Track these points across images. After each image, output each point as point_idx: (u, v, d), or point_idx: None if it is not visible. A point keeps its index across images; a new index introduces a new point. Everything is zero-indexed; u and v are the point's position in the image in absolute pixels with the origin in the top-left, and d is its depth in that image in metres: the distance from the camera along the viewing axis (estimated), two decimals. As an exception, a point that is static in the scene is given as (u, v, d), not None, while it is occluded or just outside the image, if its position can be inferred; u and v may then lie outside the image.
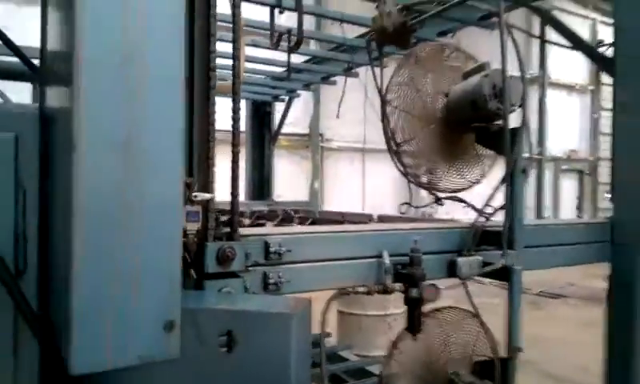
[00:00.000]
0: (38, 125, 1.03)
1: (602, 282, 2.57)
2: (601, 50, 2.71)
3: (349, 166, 14.86)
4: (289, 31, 3.33)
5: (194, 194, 1.32)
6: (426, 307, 2.01)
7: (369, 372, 4.03)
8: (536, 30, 13.18)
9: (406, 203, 2.40)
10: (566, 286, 11.81)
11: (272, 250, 1.53)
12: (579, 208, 19.23)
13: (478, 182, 2.25)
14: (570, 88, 18.45)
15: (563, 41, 2.93)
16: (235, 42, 1.53)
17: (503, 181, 1.93)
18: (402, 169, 2.18)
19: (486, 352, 2.13)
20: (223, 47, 1.81)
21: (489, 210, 1.99)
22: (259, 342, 1.00)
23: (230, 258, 1.40)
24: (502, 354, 2.04)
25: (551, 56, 17.14)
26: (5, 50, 1.50)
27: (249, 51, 3.97)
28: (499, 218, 1.99)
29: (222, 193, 1.48)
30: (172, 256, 0.86)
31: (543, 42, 14.82)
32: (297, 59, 4.44)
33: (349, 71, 4.71)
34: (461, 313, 2.25)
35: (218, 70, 1.46)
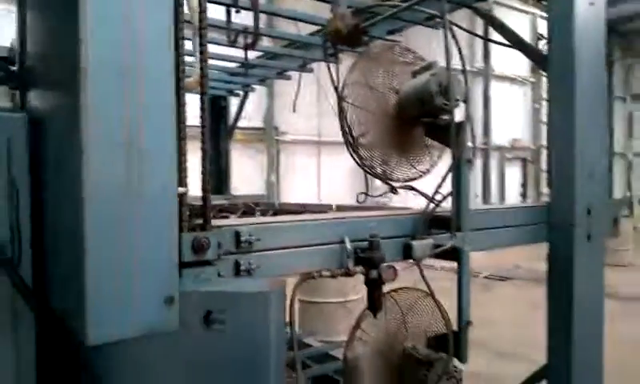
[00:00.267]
0: (27, 128, 1.11)
1: (545, 264, 2.81)
2: (540, 43, 2.95)
3: (304, 158, 15.00)
4: (245, 29, 3.41)
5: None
6: (385, 288, 2.18)
7: (332, 356, 4.21)
8: (480, 28, 13.69)
9: (363, 193, 2.55)
10: (512, 269, 12.44)
11: (243, 238, 1.64)
12: (523, 194, 20.19)
13: (428, 171, 2.43)
14: (512, 80, 19.29)
15: (505, 39, 3.18)
16: (202, 45, 1.62)
17: (450, 170, 2.11)
18: (358, 161, 2.34)
19: (439, 327, 2.33)
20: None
21: (438, 197, 2.17)
22: (242, 319, 1.13)
23: (204, 248, 1.50)
24: (454, 327, 2.24)
25: (495, 50, 17.85)
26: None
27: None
28: (448, 204, 2.19)
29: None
30: (170, 240, 0.97)
31: (486, 40, 15.45)
32: (252, 55, 4.52)
33: (303, 67, 4.83)
34: (416, 293, 2.44)
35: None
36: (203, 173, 1.63)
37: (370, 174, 2.43)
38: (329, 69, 2.28)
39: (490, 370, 5.77)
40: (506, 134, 19.34)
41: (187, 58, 2.10)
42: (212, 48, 4.34)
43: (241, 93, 6.36)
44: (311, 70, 4.82)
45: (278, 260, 1.76)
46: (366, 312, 2.26)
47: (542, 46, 2.78)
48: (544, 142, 18.54)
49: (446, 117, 2.09)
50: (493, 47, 17.80)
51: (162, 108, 0.97)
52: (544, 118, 18.71)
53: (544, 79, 19.58)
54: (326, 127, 13.94)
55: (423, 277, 2.14)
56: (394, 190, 2.51)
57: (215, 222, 1.65)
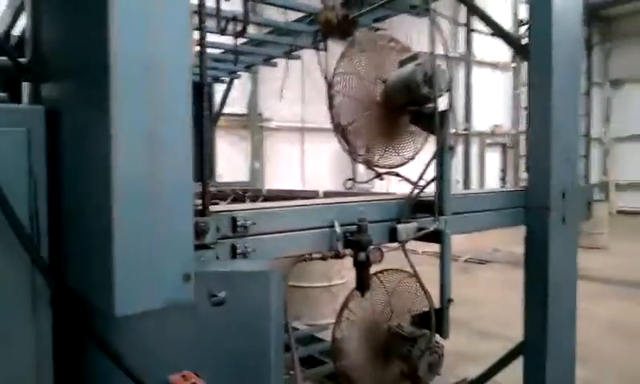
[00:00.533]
0: (44, 120, 1.18)
1: (523, 247, 2.94)
2: (521, 29, 3.06)
3: (288, 145, 15.00)
4: (235, 17, 3.47)
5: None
6: (373, 269, 2.29)
7: (317, 338, 4.34)
8: (463, 16, 13.85)
9: (351, 179, 2.66)
10: (492, 252, 12.72)
11: (239, 223, 1.73)
12: (503, 179, 20.54)
13: (412, 158, 2.54)
14: (493, 66, 19.48)
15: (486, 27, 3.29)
16: (202, 38, 1.68)
17: (433, 157, 2.22)
18: (347, 148, 2.43)
19: (423, 305, 2.45)
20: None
21: (422, 182, 2.28)
22: (246, 296, 1.23)
23: (204, 232, 1.59)
24: (437, 305, 2.36)
25: (476, 36, 17.97)
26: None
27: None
28: (431, 189, 2.30)
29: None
30: (187, 222, 1.07)
31: (469, 30, 15.64)
32: (237, 41, 4.55)
33: (290, 54, 4.89)
34: (401, 274, 2.56)
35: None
36: (201, 161, 1.71)
37: (357, 161, 2.53)
38: (318, 58, 2.36)
39: (471, 347, 5.97)
40: (486, 120, 19.58)
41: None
42: (194, 34, 4.39)
43: (226, 79, 6.39)
44: (298, 57, 4.88)
45: (272, 243, 1.85)
46: (354, 292, 2.37)
47: (523, 31, 2.88)
48: (524, 127, 18.87)
49: (430, 105, 2.19)
50: (475, 33, 17.95)
51: (179, 102, 1.05)
52: (524, 104, 18.99)
53: (524, 65, 19.80)
54: (310, 113, 13.96)
55: (407, 258, 2.25)
56: (380, 176, 2.62)
57: (213, 208, 1.74)
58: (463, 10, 14.24)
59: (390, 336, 2.48)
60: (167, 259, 1.04)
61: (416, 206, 2.31)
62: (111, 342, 1.09)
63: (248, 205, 2.97)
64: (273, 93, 12.43)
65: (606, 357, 5.84)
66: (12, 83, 3.35)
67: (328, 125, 2.42)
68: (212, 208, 1.77)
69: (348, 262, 2.15)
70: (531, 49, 2.77)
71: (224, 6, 3.56)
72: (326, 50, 2.34)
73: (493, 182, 20.08)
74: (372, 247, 2.05)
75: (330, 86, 2.31)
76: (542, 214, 2.77)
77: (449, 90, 2.16)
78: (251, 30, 5.60)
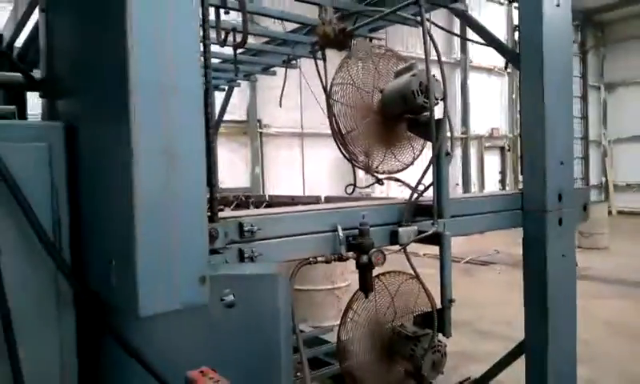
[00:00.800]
0: (63, 135, 1.26)
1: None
2: (516, 34, 3.12)
3: (288, 150, 15.09)
4: (234, 29, 3.55)
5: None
6: (375, 272, 2.37)
7: (322, 340, 4.41)
8: (458, 23, 13.97)
9: (352, 185, 2.74)
10: (493, 254, 12.78)
11: (246, 229, 1.80)
12: (502, 181, 20.62)
13: (411, 164, 2.63)
14: (489, 71, 19.62)
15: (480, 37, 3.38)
16: (206, 46, 1.75)
17: (431, 163, 2.30)
18: (347, 155, 2.51)
19: (425, 306, 2.52)
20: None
21: (421, 187, 2.36)
22: (256, 297, 1.30)
23: (214, 237, 1.66)
24: (438, 306, 2.43)
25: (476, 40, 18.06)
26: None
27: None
28: (431, 193, 2.37)
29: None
30: (202, 229, 1.15)
31: (463, 39, 15.78)
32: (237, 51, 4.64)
33: (288, 63, 4.98)
34: (404, 275, 2.63)
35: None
36: (209, 169, 1.79)
37: (357, 167, 2.61)
38: (318, 71, 2.45)
39: (474, 347, 6.03)
40: (484, 124, 19.69)
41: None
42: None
43: (225, 87, 6.47)
44: (296, 66, 4.97)
45: (278, 247, 1.93)
46: (358, 294, 2.44)
47: (518, 37, 2.97)
48: (521, 130, 18.96)
49: (426, 114, 2.27)
50: (473, 37, 18.06)
51: (193, 120, 1.13)
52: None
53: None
54: (309, 119, 14.06)
55: (409, 260, 2.32)
56: (380, 182, 2.70)
57: (222, 214, 1.81)
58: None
59: (394, 336, 2.55)
60: (184, 263, 1.13)
61: (416, 210, 2.39)
62: (130, 340, 1.17)
63: (253, 211, 3.06)
64: (272, 100, 12.54)
65: (605, 356, 5.90)
66: (18, 96, 3.44)
67: (327, 130, 2.50)
68: (219, 214, 1.85)
69: (351, 264, 2.22)
70: (522, 56, 2.85)
71: (223, 17, 3.65)
72: (324, 61, 2.42)
73: (492, 184, 20.17)
74: (374, 250, 2.12)
75: (328, 95, 2.40)
76: (538, 216, 2.83)
77: (443, 98, 2.24)
78: (250, 39, 5.70)
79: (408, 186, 2.47)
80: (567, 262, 2.94)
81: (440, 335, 2.39)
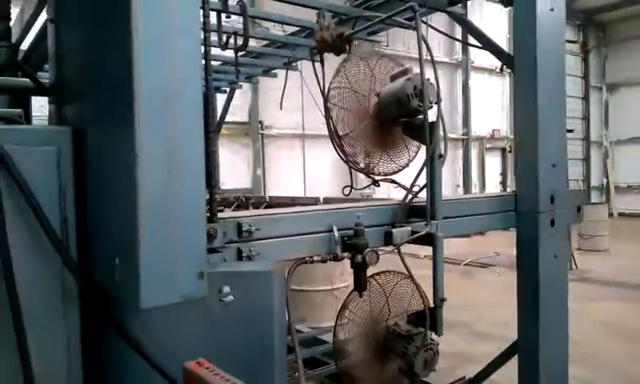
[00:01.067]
0: (71, 139, 1.33)
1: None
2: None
3: (289, 152, 15.16)
4: (235, 32, 3.62)
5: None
6: (371, 272, 2.44)
7: (320, 340, 4.47)
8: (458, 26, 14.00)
9: (348, 186, 2.80)
10: (493, 256, 12.83)
11: (244, 229, 1.87)
12: (503, 183, 20.66)
13: (406, 165, 2.69)
14: (491, 71, 19.65)
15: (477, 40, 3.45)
16: (207, 53, 1.82)
17: (424, 165, 2.37)
18: (344, 157, 2.58)
19: (418, 305, 2.59)
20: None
21: (415, 189, 2.43)
22: (252, 293, 1.37)
23: (212, 237, 1.73)
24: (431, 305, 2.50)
25: (473, 42, 18.11)
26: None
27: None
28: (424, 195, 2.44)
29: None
30: (200, 228, 1.22)
31: (460, 42, 15.85)
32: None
33: (289, 65, 5.05)
34: (398, 275, 2.69)
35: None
36: (208, 170, 1.86)
37: (354, 168, 2.68)
38: (316, 75, 2.52)
39: (471, 348, 6.09)
40: (485, 125, 19.74)
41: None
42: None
43: (227, 89, 6.55)
44: (296, 69, 5.04)
45: (275, 247, 2.00)
46: (354, 293, 2.51)
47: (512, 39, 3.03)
48: (523, 131, 18.97)
49: (420, 117, 2.34)
50: (472, 39, 18.13)
51: (193, 125, 1.21)
52: (522, 109, 19.08)
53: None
54: (310, 121, 14.12)
55: (403, 260, 2.39)
56: (376, 183, 2.77)
57: (220, 215, 1.88)
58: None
59: (388, 334, 2.62)
60: (184, 260, 1.20)
61: (410, 211, 2.46)
62: (132, 332, 1.24)
63: (252, 211, 3.13)
64: (273, 101, 12.62)
65: (603, 358, 5.95)
66: (23, 99, 3.52)
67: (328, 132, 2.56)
68: (219, 215, 1.92)
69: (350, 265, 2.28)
70: (516, 59, 2.91)
71: (224, 20, 3.72)
72: (322, 65, 2.49)
73: (493, 185, 20.20)
74: (368, 250, 2.19)
75: (326, 98, 2.47)
76: (531, 217, 2.89)
77: (437, 102, 2.31)
78: (251, 42, 5.78)
79: (404, 187, 2.53)
80: (559, 262, 3.00)
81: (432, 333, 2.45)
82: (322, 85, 2.48)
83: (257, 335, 1.39)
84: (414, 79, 2.29)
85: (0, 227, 1.21)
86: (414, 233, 2.38)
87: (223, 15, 3.59)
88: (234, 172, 13.26)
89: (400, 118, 2.48)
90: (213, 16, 3.62)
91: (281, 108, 5.06)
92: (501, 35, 17.13)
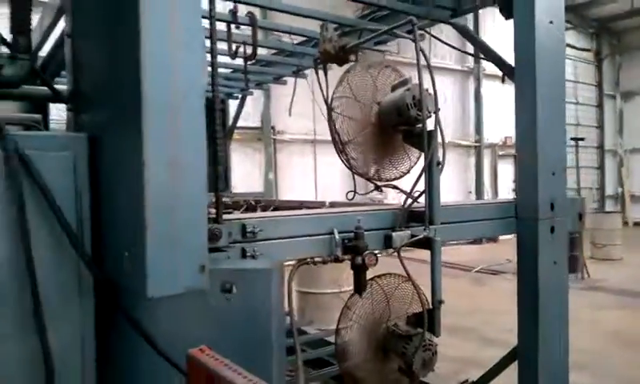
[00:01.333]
0: (86, 145, 1.46)
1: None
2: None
3: (301, 157, 15.28)
4: (244, 42, 3.76)
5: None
6: (372, 274, 2.53)
7: (327, 341, 4.57)
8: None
9: (352, 191, 2.90)
10: (504, 263, 12.79)
11: (248, 230, 1.98)
12: (515, 189, 20.52)
13: (407, 172, 2.78)
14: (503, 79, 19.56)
15: (479, 51, 3.53)
16: (213, 59, 1.93)
17: (422, 172, 2.46)
18: (347, 163, 2.69)
19: (418, 307, 2.67)
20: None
21: (415, 194, 2.52)
22: (252, 288, 1.48)
23: (217, 237, 1.84)
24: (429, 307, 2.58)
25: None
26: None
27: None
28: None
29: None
30: (202, 227, 1.35)
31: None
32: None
33: (297, 73, 5.19)
34: (399, 278, 2.78)
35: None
36: (214, 175, 1.97)
37: (357, 174, 2.78)
38: (319, 84, 2.63)
39: (477, 353, 6.12)
40: (498, 132, 19.69)
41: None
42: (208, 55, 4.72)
43: (239, 95, 6.71)
44: (305, 76, 5.17)
45: (278, 248, 2.10)
46: (355, 295, 2.60)
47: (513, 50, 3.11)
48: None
49: (419, 125, 2.43)
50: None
51: (195, 133, 1.33)
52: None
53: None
54: (321, 126, 14.22)
55: (402, 263, 2.48)
56: (379, 189, 2.86)
57: (225, 216, 1.99)
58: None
59: (388, 335, 2.70)
60: (186, 254, 1.33)
61: (409, 216, 2.54)
62: (139, 321, 1.36)
63: (257, 213, 3.23)
64: (285, 107, 12.74)
65: (611, 365, 5.95)
66: (42, 105, 3.68)
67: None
68: (225, 216, 2.03)
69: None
70: (516, 70, 2.99)
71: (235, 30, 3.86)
72: (326, 75, 2.60)
73: (506, 192, 20.11)
74: (367, 252, 2.28)
75: (330, 108, 2.57)
76: (531, 224, 2.95)
77: (435, 112, 2.40)
78: (261, 50, 5.94)
79: (405, 192, 2.62)
80: (559, 269, 3.05)
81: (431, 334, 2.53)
82: (325, 94, 2.59)
83: (256, 326, 1.50)
84: (413, 89, 2.39)
85: (22, 226, 1.33)
86: (413, 237, 2.46)
87: (233, 25, 3.74)
88: (246, 176, 13.41)
89: (400, 127, 2.57)
90: (223, 25, 3.78)
91: (290, 114, 5.19)
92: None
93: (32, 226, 1.34)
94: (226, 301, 1.45)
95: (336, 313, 6.37)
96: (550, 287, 2.98)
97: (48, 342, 1.35)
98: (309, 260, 2.22)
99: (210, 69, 1.90)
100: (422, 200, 2.52)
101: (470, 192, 19.04)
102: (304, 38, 4.46)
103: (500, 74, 3.33)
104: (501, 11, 3.17)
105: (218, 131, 1.89)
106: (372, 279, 2.66)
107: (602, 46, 22.18)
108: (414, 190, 2.48)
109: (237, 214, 3.11)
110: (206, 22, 1.89)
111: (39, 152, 1.36)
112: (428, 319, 2.50)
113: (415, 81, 2.41)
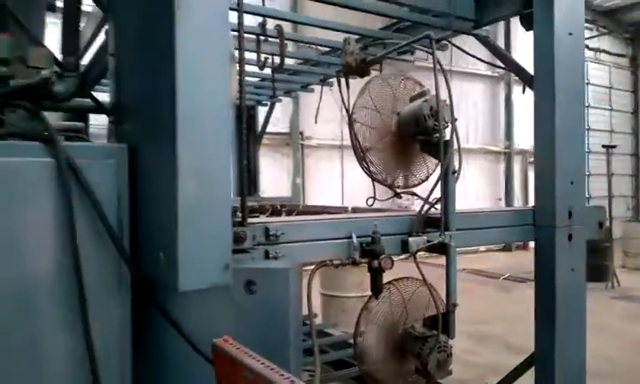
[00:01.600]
0: (127, 155, 1.64)
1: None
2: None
3: (328, 162, 15.43)
4: (272, 54, 3.94)
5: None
6: (390, 278, 2.64)
7: (350, 343, 4.68)
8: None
9: (372, 197, 3.02)
10: (532, 271, 12.66)
11: (271, 233, 2.12)
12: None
13: (425, 179, 2.89)
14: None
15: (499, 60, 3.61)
16: (241, 72, 2.08)
17: (438, 180, 2.57)
18: (366, 171, 2.81)
19: (434, 310, 2.76)
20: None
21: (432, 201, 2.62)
22: (272, 285, 1.64)
23: (242, 239, 1.99)
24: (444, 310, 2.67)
25: (516, 55, 17.96)
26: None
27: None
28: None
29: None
30: (227, 229, 1.51)
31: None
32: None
33: (324, 81, 5.36)
34: (416, 282, 2.88)
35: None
36: (240, 180, 2.13)
37: (377, 181, 2.89)
38: (341, 94, 2.76)
39: (501, 360, 6.12)
40: (528, 138, 19.40)
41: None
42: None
43: (268, 102, 6.92)
44: (331, 84, 5.32)
45: (299, 250, 2.24)
46: (373, 298, 2.72)
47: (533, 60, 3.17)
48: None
49: (436, 135, 2.54)
50: (516, 52, 17.96)
51: (220, 145, 1.50)
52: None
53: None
54: (347, 132, 14.34)
55: (418, 267, 2.58)
56: (398, 195, 2.97)
57: (250, 220, 2.15)
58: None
59: (405, 336, 2.81)
60: (213, 254, 1.49)
61: (426, 222, 2.65)
62: (170, 312, 1.54)
63: (281, 218, 3.39)
64: (313, 113, 12.93)
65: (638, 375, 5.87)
66: (82, 115, 3.93)
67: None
68: (250, 220, 2.18)
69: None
70: (535, 80, 3.05)
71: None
72: (347, 87, 2.74)
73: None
74: (384, 256, 2.40)
75: (351, 117, 2.71)
76: (548, 231, 3.00)
77: (452, 122, 2.50)
78: (289, 60, 6.13)
79: (423, 199, 2.72)
80: (576, 276, 3.08)
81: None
82: (346, 104, 2.72)
83: (275, 321, 1.64)
84: (430, 101, 2.50)
85: (71, 228, 1.50)
86: (429, 242, 2.57)
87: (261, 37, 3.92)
88: (274, 180, 13.64)
89: (418, 136, 2.68)
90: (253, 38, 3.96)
91: (316, 122, 5.35)
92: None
93: (78, 228, 1.51)
94: (248, 298, 1.60)
95: (360, 316, 6.47)
96: (567, 294, 3.01)
97: (91, 334, 1.51)
98: (328, 262, 2.35)
99: (238, 80, 2.05)
100: (439, 207, 2.63)
101: (500, 199, 18.84)
102: (329, 49, 4.61)
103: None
104: (521, 22, 3.24)
105: (245, 143, 2.05)
106: (390, 282, 2.77)
107: (638, 52, 21.64)
108: (431, 197, 2.58)
109: (262, 218, 3.27)
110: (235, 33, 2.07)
111: (87, 160, 1.54)
112: (443, 322, 2.60)
113: (434, 91, 2.52)
